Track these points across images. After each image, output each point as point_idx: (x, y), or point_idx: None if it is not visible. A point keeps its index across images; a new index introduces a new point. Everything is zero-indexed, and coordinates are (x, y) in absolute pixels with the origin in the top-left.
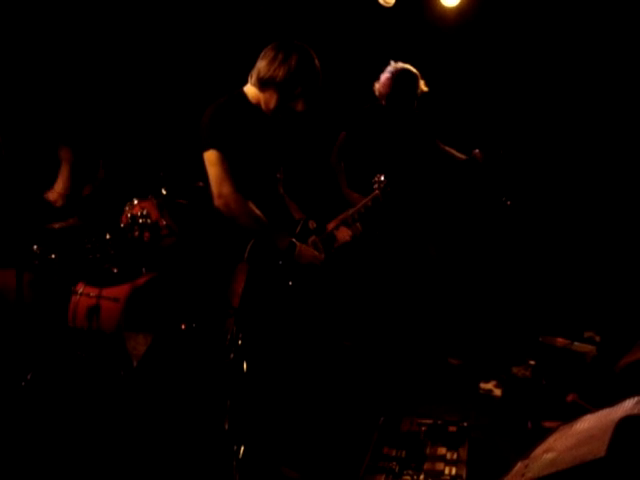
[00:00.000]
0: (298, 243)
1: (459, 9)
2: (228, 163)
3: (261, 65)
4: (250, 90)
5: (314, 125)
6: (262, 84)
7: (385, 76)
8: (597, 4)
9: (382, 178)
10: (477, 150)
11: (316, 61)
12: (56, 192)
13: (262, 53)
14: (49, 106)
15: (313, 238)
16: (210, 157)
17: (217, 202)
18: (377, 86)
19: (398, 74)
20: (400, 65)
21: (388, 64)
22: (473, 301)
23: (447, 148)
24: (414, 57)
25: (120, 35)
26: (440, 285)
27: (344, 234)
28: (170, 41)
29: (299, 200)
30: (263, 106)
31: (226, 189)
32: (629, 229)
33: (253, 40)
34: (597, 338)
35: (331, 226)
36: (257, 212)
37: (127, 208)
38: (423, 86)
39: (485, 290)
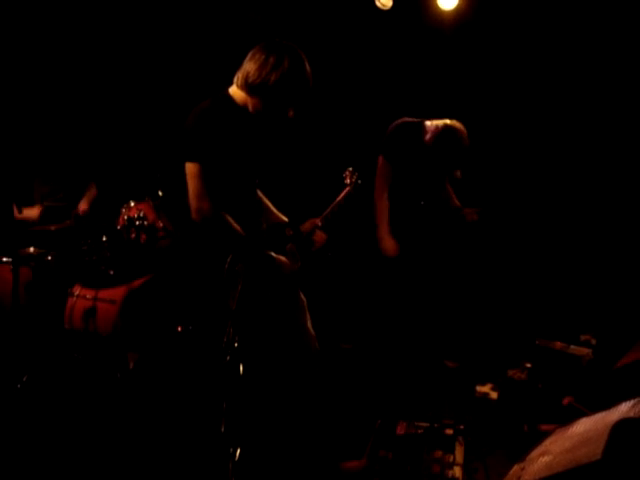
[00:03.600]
0: (275, 256)
1: (456, 12)
2: (209, 177)
3: (250, 68)
4: (236, 93)
5: (313, 127)
6: (251, 89)
7: (433, 133)
8: (596, 5)
9: (351, 170)
10: (467, 210)
11: (307, 64)
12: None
13: (250, 54)
14: (45, 114)
15: (290, 246)
16: (191, 170)
17: (194, 216)
18: (426, 136)
19: (442, 135)
20: (449, 125)
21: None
22: (470, 304)
23: (450, 189)
24: (411, 60)
25: (112, 36)
26: (437, 288)
27: (321, 237)
28: (165, 41)
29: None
30: (251, 109)
31: (204, 205)
32: (625, 231)
33: (249, 42)
34: (593, 341)
35: (306, 228)
36: (235, 227)
37: (124, 210)
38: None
39: (481, 293)
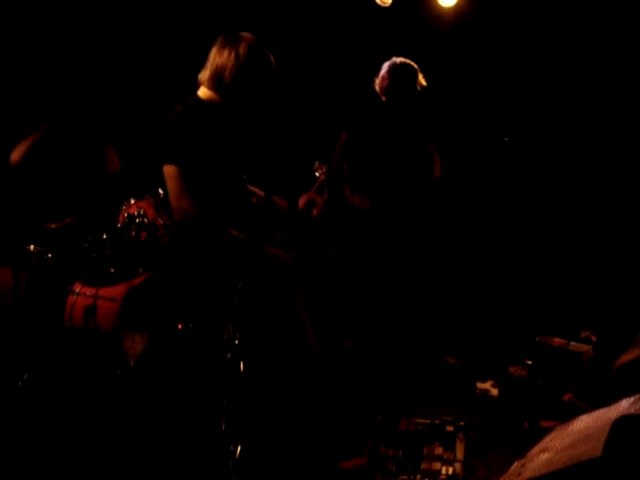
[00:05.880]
0: (266, 247)
1: (456, 9)
2: (187, 178)
3: (217, 65)
4: (205, 93)
5: (312, 125)
6: (219, 85)
7: (384, 69)
8: (595, 3)
9: (319, 164)
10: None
11: (264, 47)
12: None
13: (212, 51)
14: (40, 104)
15: (278, 236)
16: (168, 171)
17: (175, 216)
18: (377, 80)
19: (397, 67)
20: (400, 59)
21: (389, 59)
22: (470, 301)
23: (436, 157)
24: (411, 57)
25: (113, 34)
26: (437, 285)
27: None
28: (166, 38)
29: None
30: (222, 105)
31: (184, 204)
32: (626, 228)
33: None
34: (593, 338)
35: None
36: (222, 226)
37: (124, 208)
38: (422, 80)
39: (482, 290)
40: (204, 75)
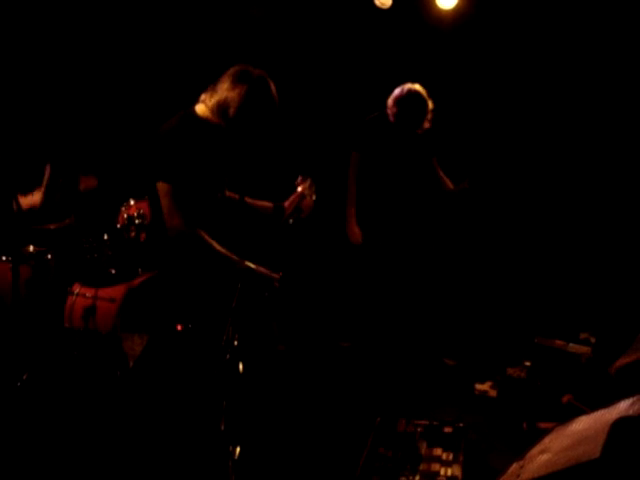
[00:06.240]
0: (252, 265)
1: (456, 11)
2: (179, 195)
3: (222, 96)
4: (205, 112)
5: (312, 126)
6: (223, 116)
7: (395, 94)
8: (595, 4)
9: (302, 179)
10: (465, 183)
11: (274, 92)
12: (30, 202)
13: (222, 81)
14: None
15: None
16: (162, 189)
17: (169, 233)
18: (389, 101)
19: (405, 97)
20: (410, 88)
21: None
22: (469, 302)
23: (440, 172)
24: (410, 59)
25: (115, 34)
26: (436, 286)
27: (307, 204)
28: (168, 39)
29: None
30: (218, 125)
31: (177, 222)
32: (625, 230)
33: (250, 43)
34: (592, 339)
35: (290, 203)
36: (210, 242)
37: (123, 209)
38: (430, 105)
39: (481, 291)
40: (209, 99)
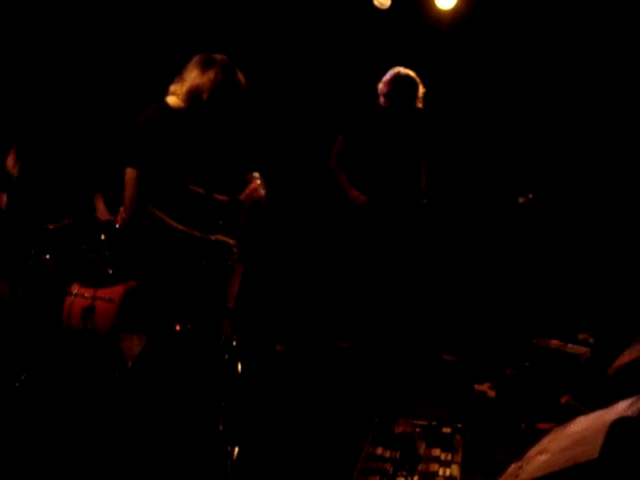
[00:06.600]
0: (213, 236)
1: (454, 11)
2: (145, 181)
3: (193, 83)
4: (175, 102)
5: (311, 126)
6: (193, 101)
7: (388, 76)
8: (594, 5)
9: (255, 174)
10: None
11: (238, 71)
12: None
13: (188, 67)
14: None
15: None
16: (130, 174)
17: (127, 212)
18: (380, 84)
19: (399, 77)
20: (404, 70)
21: (392, 68)
22: (467, 303)
23: (422, 170)
24: (409, 59)
25: (115, 36)
26: (435, 287)
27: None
28: (168, 41)
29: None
30: (190, 113)
31: (139, 207)
32: (624, 230)
33: (250, 39)
34: (591, 340)
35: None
36: (169, 222)
37: (122, 209)
38: (421, 90)
39: (479, 292)
40: (179, 89)
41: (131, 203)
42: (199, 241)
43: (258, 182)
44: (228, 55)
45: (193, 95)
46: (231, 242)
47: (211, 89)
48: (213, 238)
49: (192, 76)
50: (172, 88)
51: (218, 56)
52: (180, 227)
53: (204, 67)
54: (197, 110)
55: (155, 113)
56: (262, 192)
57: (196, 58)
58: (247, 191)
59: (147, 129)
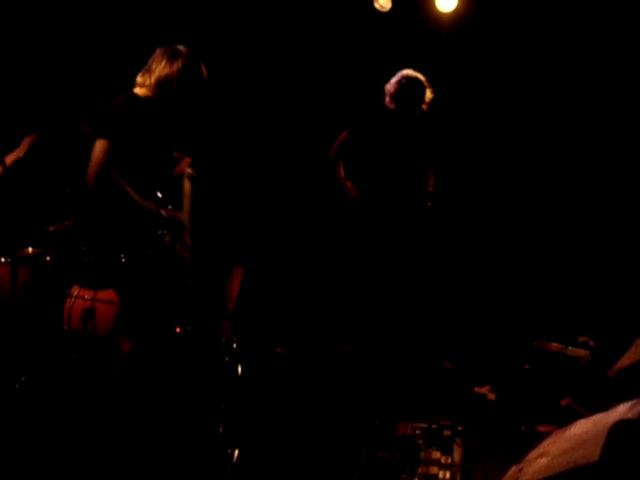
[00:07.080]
0: (165, 210)
1: (455, 14)
2: (112, 152)
3: (159, 73)
4: (144, 92)
5: (312, 125)
6: (162, 88)
7: (396, 77)
8: (594, 6)
9: (179, 153)
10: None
11: (203, 67)
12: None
13: (156, 60)
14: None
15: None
16: (100, 144)
17: (89, 179)
18: (387, 85)
19: (407, 78)
20: (413, 72)
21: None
22: (467, 306)
23: (431, 173)
24: (410, 62)
25: (116, 35)
26: (435, 290)
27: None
28: (168, 39)
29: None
30: (157, 102)
31: (102, 174)
32: (624, 233)
33: (250, 40)
34: (591, 343)
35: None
36: (130, 191)
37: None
38: (429, 94)
39: (479, 295)
40: (146, 80)
41: (95, 168)
42: (154, 213)
43: (187, 160)
44: (228, 55)
45: (162, 85)
46: (180, 216)
47: (179, 78)
48: (165, 213)
49: (159, 67)
50: (139, 80)
51: (182, 47)
52: (137, 198)
53: (171, 58)
54: (166, 98)
55: (126, 100)
56: (190, 170)
57: (160, 51)
58: (178, 167)
59: (118, 110)
